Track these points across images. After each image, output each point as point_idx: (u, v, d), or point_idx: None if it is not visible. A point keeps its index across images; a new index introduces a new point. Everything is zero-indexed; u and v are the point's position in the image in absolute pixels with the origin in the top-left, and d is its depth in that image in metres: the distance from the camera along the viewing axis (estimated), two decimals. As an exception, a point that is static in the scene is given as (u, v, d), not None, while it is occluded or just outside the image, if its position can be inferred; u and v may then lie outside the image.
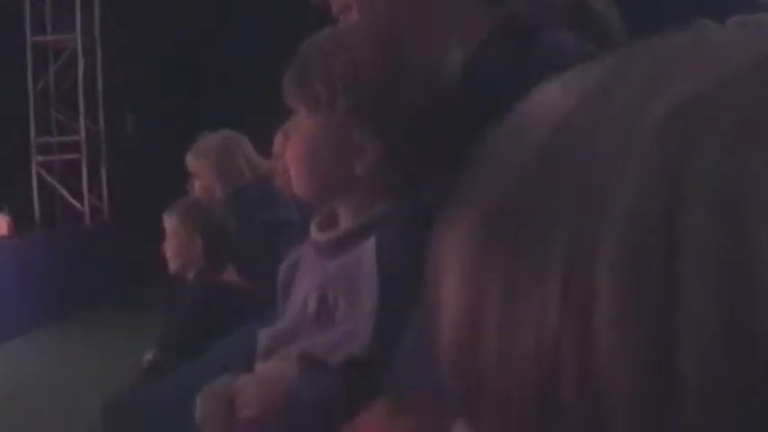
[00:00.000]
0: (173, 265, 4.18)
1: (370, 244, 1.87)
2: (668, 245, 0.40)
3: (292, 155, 2.02)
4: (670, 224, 0.40)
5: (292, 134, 2.02)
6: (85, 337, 8.76)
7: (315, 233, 2.03)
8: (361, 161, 1.91)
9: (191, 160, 4.77)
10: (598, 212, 0.41)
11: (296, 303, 2.01)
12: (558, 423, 0.42)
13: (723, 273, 0.39)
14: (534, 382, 0.42)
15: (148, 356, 4.22)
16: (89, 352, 7.96)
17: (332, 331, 1.88)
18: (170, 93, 11.90)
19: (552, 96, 0.47)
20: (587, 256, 0.41)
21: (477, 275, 0.45)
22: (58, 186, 12.26)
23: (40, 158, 12.28)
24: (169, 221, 4.16)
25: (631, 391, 0.40)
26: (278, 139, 4.40)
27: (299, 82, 1.96)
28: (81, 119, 12.23)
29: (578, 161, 0.43)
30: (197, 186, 4.78)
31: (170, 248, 4.16)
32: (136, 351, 4.46)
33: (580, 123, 0.44)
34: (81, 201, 12.30)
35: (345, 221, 1.98)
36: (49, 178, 12.27)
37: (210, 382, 2.12)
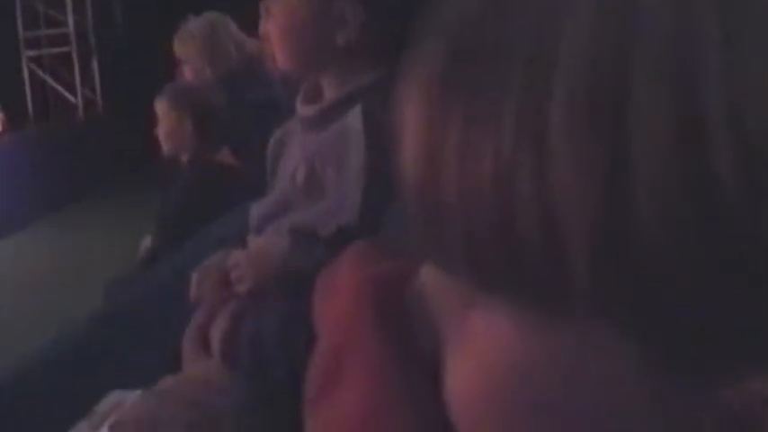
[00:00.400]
0: (165, 149, 4.19)
1: (355, 112, 1.86)
2: (621, 70, 0.40)
3: (275, 28, 2.01)
4: (623, 51, 0.40)
5: (273, 9, 2.00)
6: (82, 229, 8.78)
7: (300, 107, 2.03)
8: (342, 31, 1.90)
9: (177, 45, 4.74)
10: (554, 38, 0.42)
11: (285, 177, 2.01)
12: (518, 256, 0.42)
13: (674, 92, 0.39)
14: (493, 213, 0.42)
15: (146, 242, 4.24)
16: (87, 243, 8.00)
17: (321, 202, 1.89)
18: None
19: None
20: (542, 82, 0.41)
21: (436, 110, 0.45)
22: (50, 80, 12.19)
23: (29, 53, 12.18)
24: (160, 106, 4.17)
25: (586, 217, 0.40)
26: (264, 20, 4.37)
27: None
28: (68, 11, 12.12)
29: None
30: (186, 71, 4.75)
31: (162, 132, 4.17)
32: (133, 239, 4.48)
33: None
34: (74, 94, 12.24)
35: (330, 93, 1.97)
36: (41, 72, 12.19)
37: (206, 258, 2.14)
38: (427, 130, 0.46)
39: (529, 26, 0.43)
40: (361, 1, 1.89)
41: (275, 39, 2.01)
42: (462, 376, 0.48)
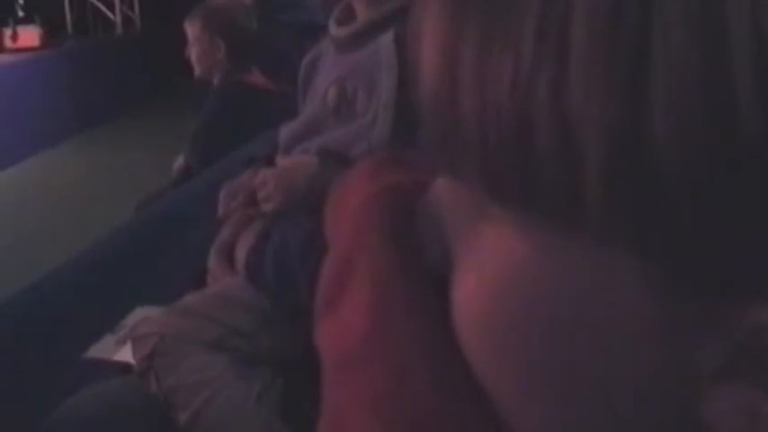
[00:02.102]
0: (197, 70, 4.18)
1: (388, 36, 1.87)
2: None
3: None
4: None
5: None
6: (116, 146, 8.82)
7: (333, 29, 2.03)
8: None
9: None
10: None
11: (316, 99, 2.02)
12: (534, 166, 0.42)
13: (700, 7, 0.38)
14: (509, 128, 0.42)
15: (179, 161, 4.25)
16: (121, 160, 8.04)
17: (351, 124, 1.89)
18: None
19: None
20: (562, 2, 0.41)
21: (455, 21, 0.45)
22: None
23: (70, -32, 12.21)
24: (191, 27, 4.14)
25: (603, 128, 0.40)
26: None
27: None
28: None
29: None
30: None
31: (193, 54, 4.15)
32: (168, 157, 4.49)
33: None
34: (112, 10, 12.24)
35: (362, 15, 1.97)
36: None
37: (235, 176, 2.15)
38: (445, 40, 0.46)
39: None
40: None
41: None
42: (469, 288, 0.48)
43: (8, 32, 10.53)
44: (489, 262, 0.47)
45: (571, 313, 0.45)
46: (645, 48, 0.39)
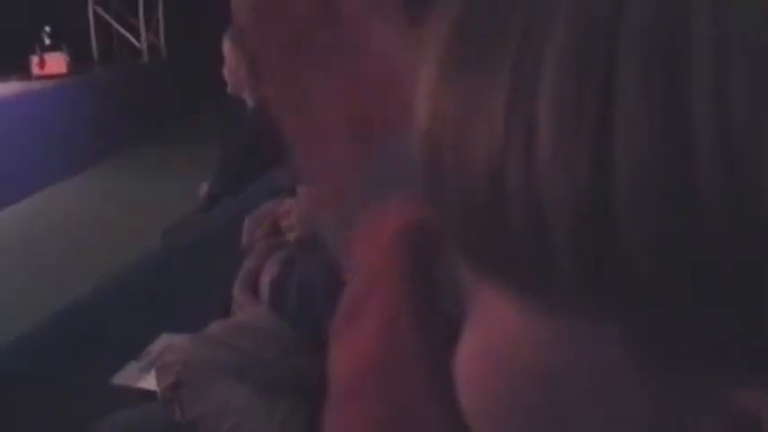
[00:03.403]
0: (229, 87, 4.27)
1: None
2: (608, 53, 0.40)
3: None
4: (611, 33, 0.40)
5: None
6: (142, 173, 8.84)
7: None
8: None
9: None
10: (548, 15, 0.42)
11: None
12: (508, 243, 0.42)
13: (661, 82, 0.39)
14: (484, 195, 0.42)
15: (204, 188, 4.27)
16: (148, 186, 8.05)
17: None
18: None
19: None
20: (532, 69, 0.41)
21: (442, 81, 0.46)
22: (115, 24, 12.25)
23: (96, -3, 12.29)
24: (225, 44, 4.26)
25: (570, 205, 0.40)
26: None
27: None
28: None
29: None
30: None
31: (225, 70, 4.25)
32: (194, 183, 4.51)
33: None
34: (138, 37, 12.30)
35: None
36: (106, 16, 12.26)
37: (258, 206, 2.17)
38: (434, 95, 0.46)
39: (523, 9, 0.43)
40: None
41: None
42: (468, 350, 0.49)
43: (35, 60, 10.59)
44: (487, 328, 0.47)
45: (561, 385, 0.45)
46: (608, 121, 0.39)
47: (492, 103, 0.43)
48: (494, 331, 0.47)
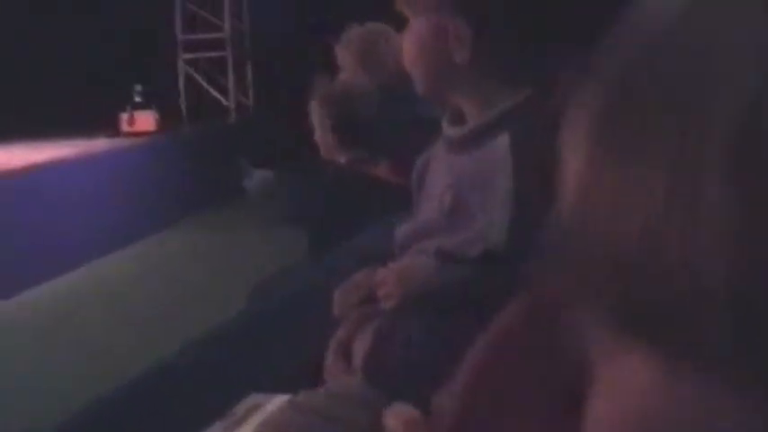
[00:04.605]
0: (321, 151, 4.24)
1: (502, 138, 1.90)
2: None
3: (406, 55, 2.10)
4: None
5: (405, 36, 2.09)
6: (233, 228, 8.91)
7: (446, 129, 2.08)
8: (458, 50, 1.97)
9: (339, 50, 4.77)
10: (710, 101, 0.43)
11: (430, 199, 2.06)
12: (660, 307, 0.43)
13: None
14: (639, 264, 0.43)
15: (293, 245, 4.29)
16: (236, 243, 8.12)
17: (468, 226, 1.92)
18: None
19: None
20: (697, 148, 0.42)
21: (596, 153, 0.47)
22: (204, 83, 12.42)
23: (186, 56, 12.45)
24: (312, 108, 4.22)
25: (730, 279, 0.41)
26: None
27: None
28: (226, 15, 12.34)
29: (693, 58, 0.44)
30: (342, 77, 4.75)
31: (316, 136, 4.21)
32: (283, 241, 4.53)
33: (698, 22, 0.46)
34: (226, 96, 12.45)
35: (472, 117, 2.01)
36: (195, 75, 12.44)
37: (350, 275, 2.18)
38: (586, 166, 0.47)
39: (688, 84, 0.44)
40: (468, 20, 1.96)
41: (407, 64, 2.11)
42: (600, 411, 0.49)
43: (125, 117, 10.76)
44: (624, 391, 0.47)
45: None
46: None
47: (653, 175, 0.44)
48: (632, 394, 0.47)
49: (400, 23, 2.21)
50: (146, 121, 10.83)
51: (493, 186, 1.89)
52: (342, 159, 4.18)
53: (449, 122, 2.07)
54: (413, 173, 2.18)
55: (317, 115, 4.21)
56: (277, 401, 2.22)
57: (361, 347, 1.96)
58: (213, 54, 12.52)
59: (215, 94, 12.46)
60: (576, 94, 0.50)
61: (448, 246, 1.93)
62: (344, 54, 4.77)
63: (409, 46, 2.09)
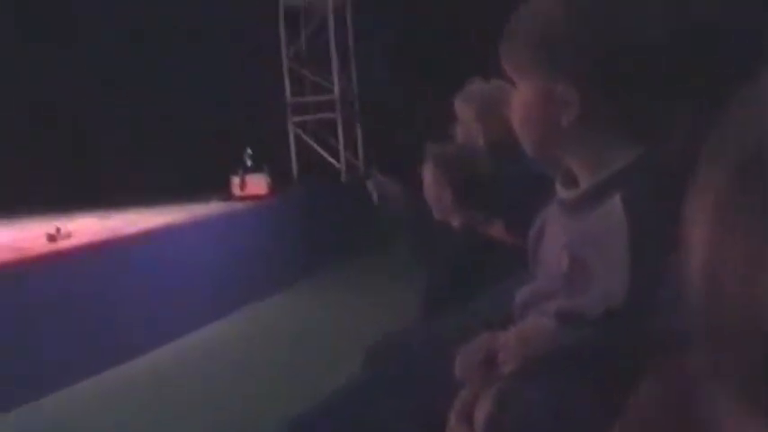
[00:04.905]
0: (434, 213, 4.20)
1: (615, 201, 1.91)
2: None
3: (514, 117, 2.12)
4: None
5: (513, 98, 2.12)
6: (346, 290, 8.95)
7: (560, 191, 2.09)
8: (565, 112, 2.00)
9: (457, 104, 4.72)
10: None
11: (548, 261, 2.07)
12: None
13: None
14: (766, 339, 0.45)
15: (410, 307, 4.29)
16: (350, 304, 8.15)
17: (586, 287, 1.92)
18: (422, 47, 11.87)
19: None
20: None
21: (721, 237, 0.48)
22: (314, 145, 12.56)
23: (296, 118, 12.62)
24: (426, 168, 4.19)
25: None
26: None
27: (504, 49, 2.12)
28: (335, 78, 12.49)
29: None
30: (459, 132, 4.74)
31: (428, 196, 4.18)
32: (397, 302, 4.54)
33: None
34: (337, 158, 12.57)
35: (584, 178, 2.02)
36: (305, 137, 12.59)
37: (470, 337, 2.19)
38: (714, 243, 0.48)
39: None
40: (574, 83, 1.98)
41: (515, 125, 2.13)
42: None
43: (236, 181, 10.91)
44: None
45: None
46: None
47: None
48: None
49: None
50: (257, 184, 10.96)
51: (609, 247, 1.90)
52: (456, 220, 4.16)
53: (562, 184, 2.09)
54: (529, 234, 2.20)
55: (431, 175, 4.18)
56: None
57: (482, 411, 1.97)
58: (322, 116, 12.67)
59: (325, 155, 12.58)
60: (696, 154, 0.51)
61: (567, 307, 1.94)
62: (463, 108, 4.72)
63: (517, 108, 2.11)
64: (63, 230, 7.78)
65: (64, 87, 11.56)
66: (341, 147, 12.63)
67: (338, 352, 5.47)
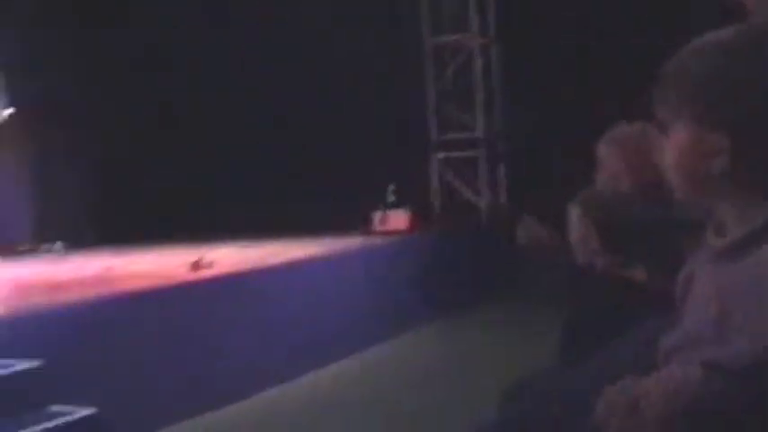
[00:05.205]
0: (578, 257, 4.18)
1: (766, 251, 1.88)
2: None
3: (666, 159, 2.11)
4: None
5: (666, 141, 2.10)
6: (486, 329, 8.94)
7: (711, 239, 2.07)
8: (716, 160, 1.98)
9: (601, 147, 4.69)
10: None
11: (695, 309, 2.04)
12: None
13: None
14: None
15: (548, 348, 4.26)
16: (489, 344, 8.14)
17: (735, 338, 1.89)
18: (572, 87, 11.80)
19: None
20: None
21: None
22: (456, 182, 12.59)
23: (439, 156, 12.68)
24: (572, 212, 4.18)
25: None
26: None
27: (658, 93, 2.11)
28: (478, 116, 12.53)
29: None
30: (601, 176, 4.70)
31: (572, 239, 4.16)
32: (537, 343, 4.52)
33: None
34: (478, 195, 12.58)
35: (735, 226, 2.00)
36: (448, 175, 12.63)
37: (611, 382, 2.16)
38: None
39: None
40: (727, 132, 1.96)
41: (665, 167, 2.12)
42: None
43: (378, 215, 11.02)
44: None
45: None
46: None
47: None
48: None
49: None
50: (398, 220, 11.06)
51: (760, 297, 1.86)
52: (599, 263, 4.13)
53: (714, 232, 2.06)
54: (678, 279, 2.17)
55: (575, 218, 4.18)
56: None
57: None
58: (466, 154, 12.70)
59: (467, 193, 12.61)
60: None
61: (715, 357, 1.90)
62: (608, 151, 4.68)
63: (669, 151, 2.10)
64: (205, 259, 7.95)
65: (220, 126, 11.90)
66: (483, 185, 12.63)
67: (473, 393, 5.46)
